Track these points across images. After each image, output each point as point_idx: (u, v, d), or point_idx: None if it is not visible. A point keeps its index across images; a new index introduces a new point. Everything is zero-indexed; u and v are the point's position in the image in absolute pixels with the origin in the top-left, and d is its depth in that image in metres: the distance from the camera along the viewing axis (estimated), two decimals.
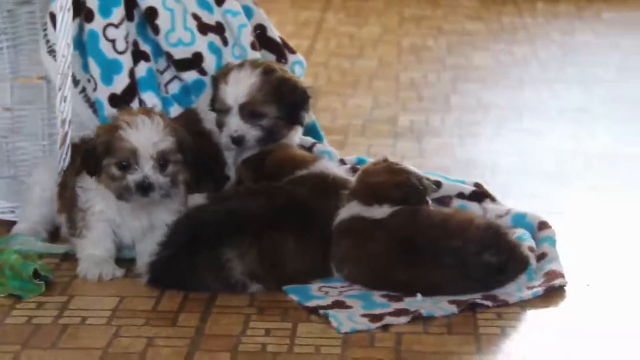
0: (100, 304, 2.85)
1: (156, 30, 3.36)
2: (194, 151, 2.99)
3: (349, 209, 2.97)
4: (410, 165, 3.03)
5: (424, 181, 2.99)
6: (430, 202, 3.03)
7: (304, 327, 2.73)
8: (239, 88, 3.13)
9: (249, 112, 3.13)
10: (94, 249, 3.01)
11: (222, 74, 3.18)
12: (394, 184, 2.96)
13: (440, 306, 2.79)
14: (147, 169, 2.91)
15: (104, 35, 3.29)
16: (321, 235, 2.96)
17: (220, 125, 3.17)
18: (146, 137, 2.90)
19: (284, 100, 3.15)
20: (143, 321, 2.76)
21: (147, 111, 3.00)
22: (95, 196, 3.00)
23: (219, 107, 3.16)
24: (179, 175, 2.97)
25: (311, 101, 3.21)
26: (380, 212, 2.93)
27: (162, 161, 2.92)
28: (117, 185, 2.93)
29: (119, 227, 3.03)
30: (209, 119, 3.22)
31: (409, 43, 5.57)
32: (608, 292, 2.91)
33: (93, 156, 2.93)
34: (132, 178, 2.91)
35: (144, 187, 2.90)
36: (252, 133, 3.13)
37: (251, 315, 2.79)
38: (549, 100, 4.62)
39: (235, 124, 3.13)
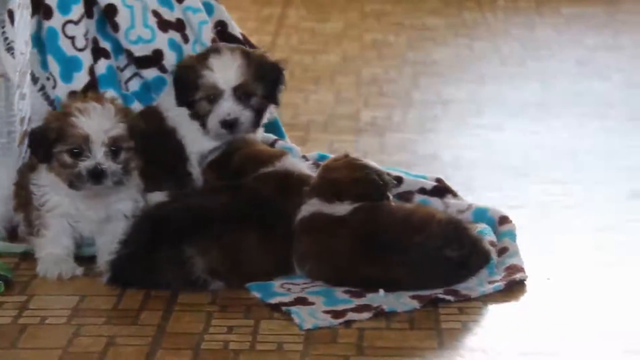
0: (60, 303, 2.80)
1: (116, 27, 3.33)
2: (147, 137, 2.94)
3: (310, 206, 2.94)
4: (371, 161, 3.01)
5: (384, 177, 2.96)
6: (391, 197, 3.00)
7: (266, 324, 2.70)
8: (228, 71, 3.08)
9: (242, 93, 3.09)
10: (52, 248, 2.96)
11: (196, 63, 3.10)
12: (353, 180, 2.94)
13: (403, 301, 2.77)
14: (99, 155, 2.86)
15: (63, 33, 3.26)
16: (284, 232, 2.93)
17: (205, 113, 3.10)
18: (98, 123, 2.86)
19: (266, 78, 3.13)
20: (104, 320, 2.72)
21: (99, 98, 2.95)
22: (49, 191, 2.95)
23: (206, 94, 3.09)
24: (131, 162, 2.93)
25: (285, 74, 3.18)
26: (341, 208, 2.90)
27: (114, 148, 2.88)
28: (68, 172, 2.88)
29: (76, 221, 2.98)
30: (171, 116, 3.17)
31: (371, 39, 5.56)
32: (568, 285, 2.90)
33: (42, 142, 2.87)
34: (84, 165, 2.86)
35: (97, 174, 2.86)
36: (245, 114, 3.09)
37: (213, 313, 2.75)
38: (510, 95, 4.62)
39: (228, 107, 3.08)
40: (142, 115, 3.20)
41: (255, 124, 3.13)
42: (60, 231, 2.97)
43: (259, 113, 3.12)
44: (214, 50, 3.14)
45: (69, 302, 2.80)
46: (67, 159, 2.88)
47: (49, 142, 2.87)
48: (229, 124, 3.08)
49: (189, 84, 3.10)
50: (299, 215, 2.93)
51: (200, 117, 3.11)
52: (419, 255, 2.80)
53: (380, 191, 2.95)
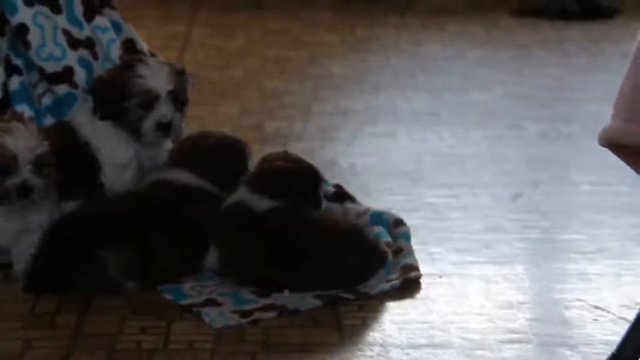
0: None
1: (27, 45, 3.27)
2: (63, 152, 2.91)
3: (236, 195, 2.89)
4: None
5: (318, 175, 2.92)
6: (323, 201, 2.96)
7: (178, 325, 2.67)
8: (160, 77, 3.04)
9: (174, 97, 3.05)
10: None
11: (120, 75, 3.04)
12: (284, 171, 2.89)
13: (306, 300, 2.77)
14: (25, 172, 2.81)
15: None
16: (192, 235, 2.90)
17: (137, 120, 3.03)
18: (24, 143, 2.81)
19: (182, 85, 3.10)
20: (21, 324, 2.65)
21: (19, 117, 2.92)
22: None
23: (140, 101, 3.02)
24: (52, 176, 2.88)
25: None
26: (262, 204, 2.86)
27: (39, 164, 2.83)
28: None
29: None
30: (84, 130, 3.09)
31: (272, 54, 5.54)
32: (459, 282, 2.93)
33: None
34: (12, 182, 2.80)
35: (25, 190, 2.81)
36: (177, 117, 3.05)
37: (127, 315, 2.71)
38: (402, 105, 4.66)
39: (165, 110, 3.02)
40: (54, 129, 3.14)
41: (181, 127, 3.10)
42: None
43: (182, 117, 3.10)
44: (137, 60, 3.09)
45: None
46: None
47: None
48: (166, 127, 3.04)
49: (117, 95, 3.02)
50: (226, 202, 2.88)
51: (130, 125, 3.05)
52: (321, 263, 2.79)
53: (308, 188, 2.90)
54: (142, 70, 3.04)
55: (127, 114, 3.05)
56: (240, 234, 2.84)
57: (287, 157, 2.97)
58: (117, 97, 3.03)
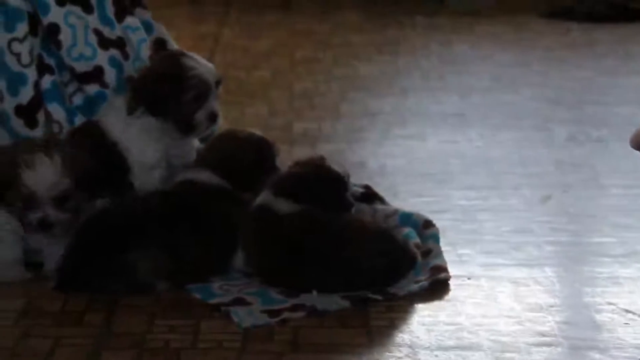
0: (6, 306, 2.73)
1: (58, 45, 3.27)
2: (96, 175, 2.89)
3: (262, 197, 2.87)
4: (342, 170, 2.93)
5: (347, 185, 2.91)
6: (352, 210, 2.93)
7: (206, 324, 2.66)
8: (207, 67, 3.05)
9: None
10: (3, 255, 2.87)
11: (171, 68, 3.02)
12: (311, 177, 2.86)
13: (334, 301, 2.75)
14: (46, 208, 2.81)
15: (9, 50, 3.19)
16: (221, 234, 2.88)
17: (192, 112, 3.02)
18: (45, 178, 2.79)
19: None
20: (50, 322, 2.65)
21: (54, 139, 2.91)
22: (2, 214, 2.88)
23: (197, 92, 3.01)
24: (79, 206, 2.87)
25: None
26: (286, 207, 2.84)
27: (61, 199, 2.82)
28: (20, 217, 2.85)
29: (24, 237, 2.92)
30: (113, 130, 3.09)
31: (300, 55, 5.54)
32: (487, 283, 2.91)
33: None
34: (34, 216, 2.82)
35: (45, 225, 2.81)
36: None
37: (156, 314, 2.70)
38: (431, 107, 4.64)
39: (214, 99, 3.04)
40: (82, 131, 3.13)
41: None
42: (10, 242, 2.88)
43: None
44: (180, 54, 3.08)
45: (16, 305, 2.73)
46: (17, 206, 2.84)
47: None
48: (216, 117, 3.05)
49: (172, 89, 3.01)
50: (253, 203, 2.87)
51: (184, 118, 3.03)
52: (350, 264, 2.77)
53: (333, 193, 2.87)
54: (191, 62, 3.03)
55: (181, 107, 3.03)
56: (266, 236, 2.82)
57: (315, 162, 2.93)
58: (173, 91, 3.01)
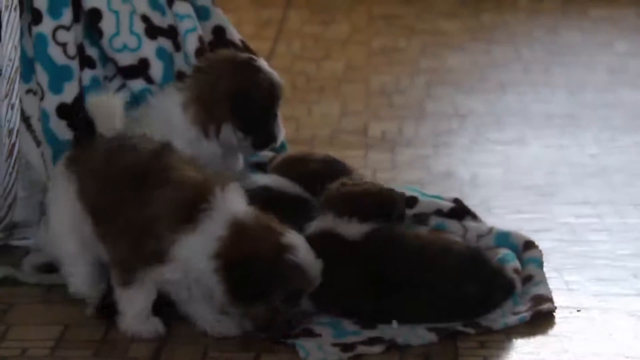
0: (42, 334, 2.83)
1: (100, 33, 3.33)
2: None
3: (321, 222, 2.96)
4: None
5: (403, 197, 3.00)
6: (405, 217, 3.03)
7: (267, 358, 2.72)
8: (277, 78, 3.22)
9: None
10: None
11: (259, 84, 3.18)
12: (375, 195, 2.95)
13: (418, 334, 2.80)
14: None
15: (54, 39, 3.26)
16: None
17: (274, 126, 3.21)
18: None
19: None
20: (90, 352, 2.74)
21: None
22: None
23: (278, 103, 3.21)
24: None
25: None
26: (355, 230, 2.91)
27: None
28: None
29: None
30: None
31: (379, 44, 5.59)
32: (601, 318, 2.93)
33: None
34: None
35: None
36: None
37: (208, 345, 2.78)
38: (533, 106, 4.65)
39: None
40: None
41: None
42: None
43: None
44: (251, 60, 3.21)
45: (52, 332, 2.83)
46: None
47: None
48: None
49: (270, 99, 3.20)
50: (308, 230, 2.96)
51: (265, 133, 3.21)
52: (434, 293, 2.83)
53: (401, 212, 2.97)
54: (261, 63, 3.19)
55: (267, 124, 3.20)
56: (335, 263, 2.89)
57: (362, 181, 3.06)
58: (266, 105, 3.19)
